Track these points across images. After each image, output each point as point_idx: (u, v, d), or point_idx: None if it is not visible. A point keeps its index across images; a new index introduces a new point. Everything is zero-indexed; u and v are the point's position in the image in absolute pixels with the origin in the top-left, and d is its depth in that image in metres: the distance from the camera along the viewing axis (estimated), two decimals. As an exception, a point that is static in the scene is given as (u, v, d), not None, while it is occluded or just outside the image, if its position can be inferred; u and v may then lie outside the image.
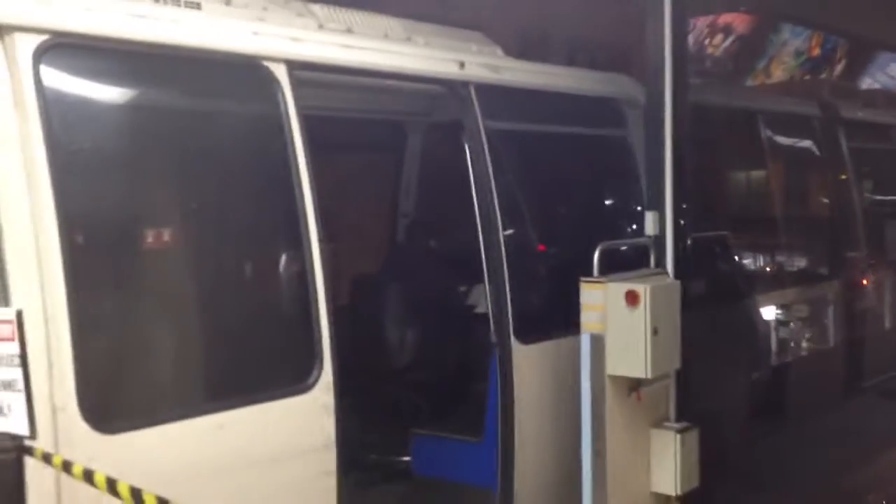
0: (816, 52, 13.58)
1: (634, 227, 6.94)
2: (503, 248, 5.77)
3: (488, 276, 5.77)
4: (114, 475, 3.24)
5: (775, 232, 9.13)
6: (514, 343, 5.73)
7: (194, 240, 4.65)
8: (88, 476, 3.00)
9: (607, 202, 7.41)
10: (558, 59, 8.56)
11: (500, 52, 6.55)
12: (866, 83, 14.27)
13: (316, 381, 4.67)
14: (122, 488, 2.91)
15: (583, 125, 6.87)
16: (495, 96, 6.00)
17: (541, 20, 9.70)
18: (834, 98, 10.05)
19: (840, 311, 9.44)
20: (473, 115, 5.84)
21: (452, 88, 5.86)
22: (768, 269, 9.08)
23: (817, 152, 9.66)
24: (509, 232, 5.89)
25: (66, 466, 3.11)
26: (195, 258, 4.62)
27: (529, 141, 6.51)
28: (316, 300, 4.72)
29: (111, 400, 4.08)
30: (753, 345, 8.22)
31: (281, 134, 4.76)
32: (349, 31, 5.57)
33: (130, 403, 4.19)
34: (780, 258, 9.20)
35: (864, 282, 9.67)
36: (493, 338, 5.75)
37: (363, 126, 7.26)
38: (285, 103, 4.80)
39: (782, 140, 9.40)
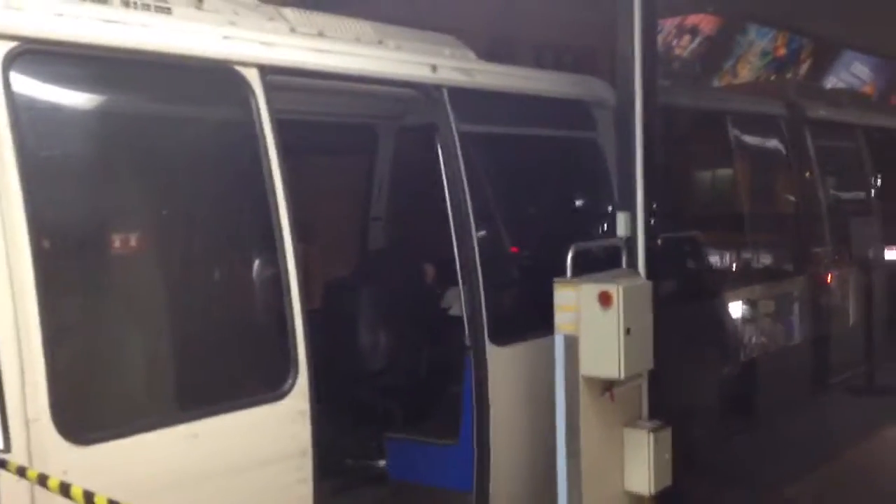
0: (782, 52, 13.73)
1: (605, 227, 6.98)
2: (477, 251, 5.78)
3: (462, 278, 5.79)
4: (88, 487, 3.22)
5: (742, 230, 9.22)
6: (489, 345, 5.74)
7: (168, 247, 4.61)
8: (65, 489, 2.96)
9: (579, 203, 7.44)
10: (525, 61, 8.60)
11: (471, 55, 6.56)
12: (831, 82, 14.44)
13: (291, 387, 4.65)
14: (100, 501, 2.87)
15: (554, 127, 6.90)
16: (468, 99, 6.01)
17: (507, 23, 9.73)
18: (800, 98, 10.16)
19: (806, 307, 9.56)
20: (446, 119, 5.85)
21: (425, 92, 5.86)
22: (736, 267, 9.17)
23: (784, 151, 9.76)
24: (483, 234, 5.91)
25: (42, 480, 3.06)
26: (169, 266, 4.59)
27: (502, 144, 6.53)
28: (290, 306, 4.70)
29: (85, 411, 4.04)
30: (722, 342, 8.29)
31: (254, 139, 4.74)
32: (321, 34, 5.55)
33: (104, 414, 4.15)
34: (746, 256, 9.30)
35: (828, 278, 9.77)
36: (468, 340, 5.76)
37: (334, 130, 7.24)
38: (258, 108, 4.77)
39: (749, 140, 9.49)
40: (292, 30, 5.38)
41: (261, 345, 4.89)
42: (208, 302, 4.74)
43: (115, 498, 3.10)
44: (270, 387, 4.63)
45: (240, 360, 4.72)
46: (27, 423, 3.73)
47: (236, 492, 4.41)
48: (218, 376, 4.58)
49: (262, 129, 4.75)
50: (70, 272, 4.14)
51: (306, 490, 4.68)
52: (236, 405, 4.47)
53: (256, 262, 4.86)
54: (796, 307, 9.39)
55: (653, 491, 6.09)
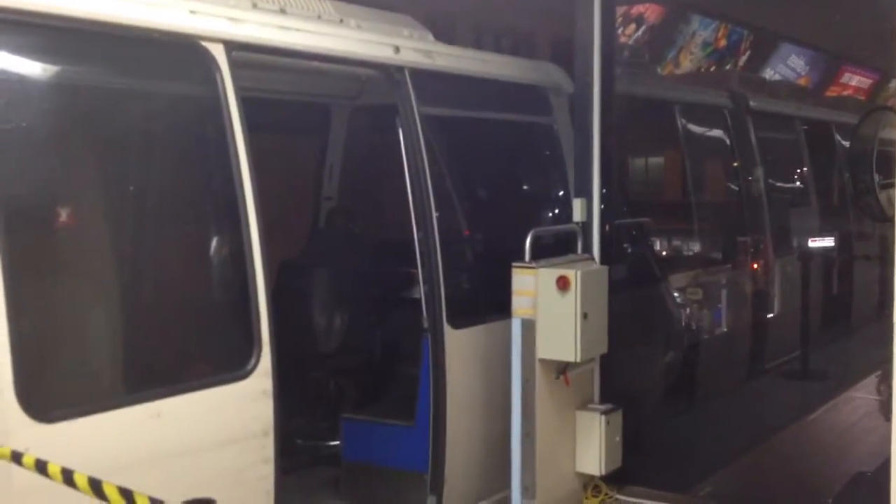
0: (723, 43, 13.93)
1: (559, 212, 7.06)
2: (436, 233, 5.79)
3: (421, 261, 5.79)
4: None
5: (686, 218, 9.40)
6: (447, 328, 5.76)
7: (132, 224, 4.53)
8: (41, 467, 2.90)
9: (534, 188, 7.50)
10: (466, 44, 8.55)
11: (430, 36, 6.55)
12: (768, 74, 14.72)
13: (255, 367, 4.62)
14: (79, 478, 2.83)
15: (512, 112, 6.94)
16: (429, 82, 6.01)
17: (447, 4, 9.70)
18: (743, 89, 10.36)
19: (746, 293, 9.80)
20: (407, 100, 5.83)
21: (387, 72, 5.84)
22: (681, 253, 9.35)
23: (727, 141, 9.96)
24: (442, 217, 5.91)
25: (16, 457, 3.01)
26: (133, 244, 4.51)
27: (461, 127, 6.56)
28: (254, 286, 4.65)
29: (48, 389, 3.97)
30: (666, 326, 8.46)
31: (219, 115, 4.67)
32: (282, 11, 5.49)
33: (68, 392, 4.08)
34: (689, 244, 9.49)
35: (756, 265, 9.99)
36: (426, 323, 5.78)
37: (288, 108, 7.16)
38: (223, 84, 4.70)
39: (695, 129, 9.66)
40: (254, 5, 5.30)
41: (224, 324, 4.85)
42: (172, 280, 4.69)
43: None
44: (234, 366, 4.60)
45: (203, 339, 4.68)
46: (-10, 399, 3.66)
47: (199, 470, 4.38)
48: (181, 355, 4.54)
49: (227, 106, 4.68)
50: (32, 251, 4.04)
51: (268, 470, 4.67)
52: (200, 384, 4.43)
53: (220, 241, 4.81)
54: (735, 294, 9.61)
55: (603, 472, 6.22)
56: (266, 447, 4.65)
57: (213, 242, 4.84)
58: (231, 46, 4.78)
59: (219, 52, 4.72)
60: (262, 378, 4.64)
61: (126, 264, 4.47)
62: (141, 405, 4.20)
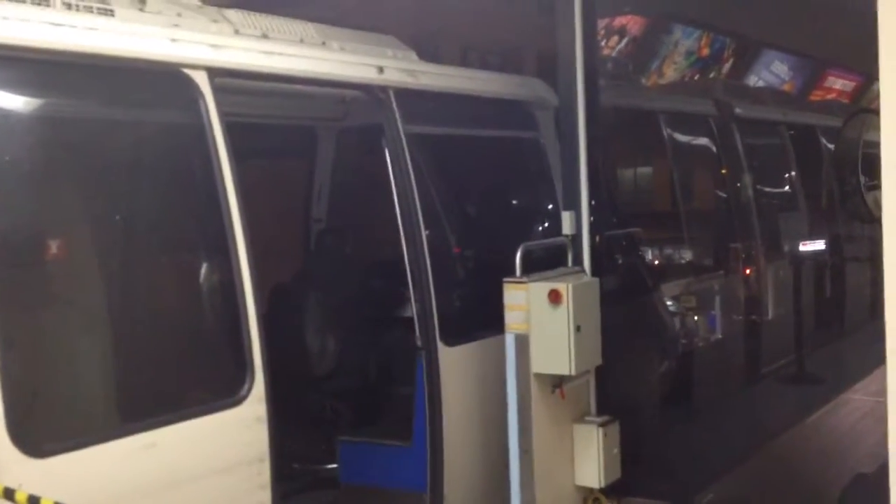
0: (706, 51, 14.01)
1: (548, 226, 7.06)
2: (426, 252, 5.79)
3: (412, 279, 5.79)
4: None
5: (676, 227, 9.41)
6: (440, 346, 5.75)
7: (121, 255, 4.52)
8: (34, 503, 2.87)
9: (522, 203, 7.51)
10: (451, 61, 8.60)
11: (414, 56, 6.57)
12: (752, 81, 14.80)
13: (248, 393, 4.60)
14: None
15: (498, 128, 6.97)
16: (413, 101, 6.02)
17: (432, 23, 9.74)
18: (728, 96, 10.41)
19: (739, 299, 9.81)
20: (393, 120, 5.85)
21: (371, 93, 5.85)
22: (672, 262, 9.36)
23: (714, 149, 9.99)
24: (431, 235, 5.91)
25: (8, 494, 2.98)
26: (122, 274, 4.50)
27: (447, 144, 6.57)
28: (245, 311, 4.64)
29: (40, 423, 3.94)
30: (660, 335, 8.45)
31: (204, 142, 4.67)
32: (265, 36, 5.50)
33: (60, 426, 4.05)
34: (680, 252, 9.50)
35: (748, 271, 10.00)
36: (419, 341, 5.77)
37: (274, 132, 7.17)
38: (207, 111, 4.71)
39: (682, 138, 9.69)
40: (236, 31, 5.32)
41: (216, 351, 4.84)
42: (162, 309, 4.67)
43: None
44: (227, 393, 4.58)
45: (195, 367, 4.67)
46: (-19, 436, 3.63)
47: (196, 500, 4.35)
48: (174, 384, 4.51)
49: (212, 133, 4.69)
50: (21, 284, 4.02)
51: (265, 496, 4.64)
52: (193, 413, 4.41)
53: (210, 268, 4.80)
54: (728, 300, 9.63)
55: (603, 484, 6.19)
56: (262, 473, 4.63)
57: (203, 269, 4.82)
58: (214, 73, 4.79)
59: (202, 79, 4.72)
60: (255, 404, 4.62)
61: (115, 295, 4.44)
62: (134, 436, 4.17)
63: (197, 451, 4.40)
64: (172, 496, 4.27)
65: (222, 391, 4.61)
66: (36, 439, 3.82)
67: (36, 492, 3.33)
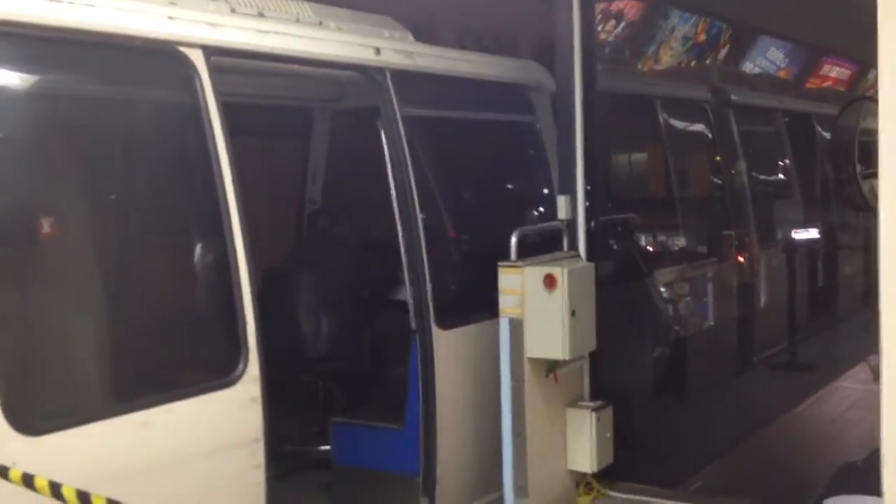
0: (702, 37, 13.96)
1: (543, 210, 7.05)
2: (422, 235, 5.77)
3: (407, 262, 5.77)
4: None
5: (671, 213, 9.41)
6: (435, 329, 5.75)
7: (115, 233, 4.50)
8: (28, 481, 2.87)
9: (519, 187, 7.50)
10: (446, 45, 8.56)
11: (410, 37, 6.52)
12: (748, 67, 14.76)
13: (242, 373, 4.59)
14: (67, 492, 2.80)
15: (495, 111, 6.93)
16: (410, 82, 5.99)
17: (427, 5, 9.69)
18: (723, 82, 10.39)
19: (732, 286, 9.82)
20: (389, 102, 5.82)
21: (368, 74, 5.82)
22: (666, 248, 9.37)
23: (709, 135, 9.98)
24: (427, 218, 5.90)
25: (2, 472, 2.97)
26: (117, 252, 4.48)
27: (444, 127, 6.54)
28: (240, 291, 4.61)
29: (34, 401, 3.93)
30: (653, 321, 8.46)
31: (200, 121, 4.64)
32: (261, 14, 5.45)
33: (54, 404, 4.04)
34: (674, 239, 9.51)
35: (741, 258, 10.01)
36: (413, 324, 5.76)
37: (269, 113, 7.14)
38: (203, 90, 4.67)
39: (677, 124, 9.68)
40: (232, 10, 5.27)
41: (211, 331, 4.82)
42: (157, 289, 4.66)
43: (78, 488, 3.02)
44: (221, 373, 4.56)
45: (190, 347, 4.65)
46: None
47: (190, 480, 4.35)
48: (168, 364, 4.50)
49: (208, 111, 4.66)
50: (14, 261, 4.00)
51: (259, 476, 4.64)
52: (187, 392, 4.40)
53: (205, 248, 4.77)
54: (721, 287, 9.64)
55: (595, 469, 6.21)
56: (256, 454, 4.63)
57: (198, 249, 4.80)
58: (210, 51, 4.75)
59: (197, 58, 4.69)
60: (249, 385, 4.61)
61: (110, 274, 4.42)
62: (128, 415, 4.16)
63: (190, 430, 4.39)
64: (165, 475, 4.26)
65: (217, 371, 4.60)
66: (30, 417, 3.80)
67: (30, 470, 3.31)
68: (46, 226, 4.11)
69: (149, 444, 4.21)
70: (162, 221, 4.73)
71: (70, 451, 3.91)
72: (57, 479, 3.26)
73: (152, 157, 4.65)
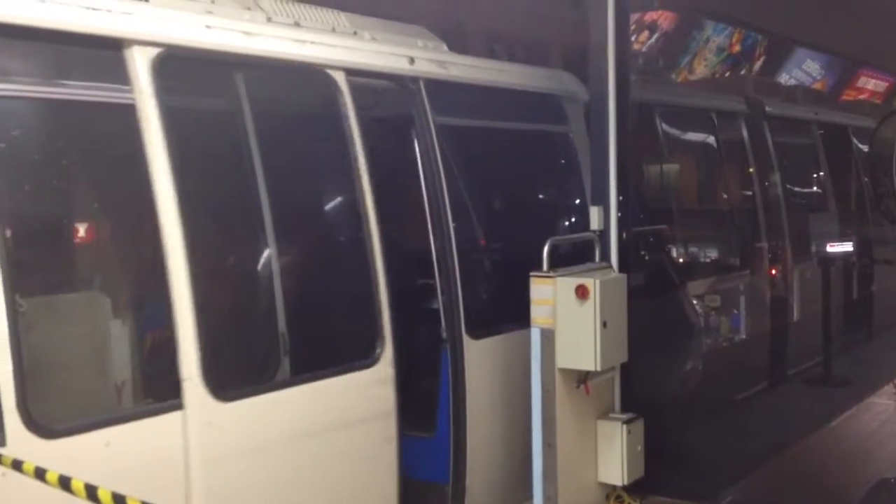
0: (737, 48, 13.91)
1: (575, 220, 7.03)
2: (454, 244, 5.78)
3: (439, 271, 5.79)
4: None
5: (704, 225, 9.35)
6: (466, 338, 5.75)
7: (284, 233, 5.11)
8: (65, 483, 2.90)
9: (551, 197, 7.47)
10: (478, 54, 8.58)
11: (444, 47, 6.54)
12: (783, 79, 14.68)
13: (380, 356, 5.18)
14: (103, 494, 2.82)
15: (527, 121, 6.92)
16: (444, 92, 6.01)
17: (459, 15, 9.71)
18: (759, 93, 10.30)
19: (765, 299, 9.73)
20: (423, 111, 5.84)
21: (402, 83, 5.84)
22: (699, 260, 9.30)
23: (744, 146, 9.90)
24: (459, 227, 5.90)
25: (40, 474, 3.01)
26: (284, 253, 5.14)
27: (476, 137, 6.54)
28: (377, 283, 5.23)
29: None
30: (686, 334, 8.39)
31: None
32: (297, 24, 5.50)
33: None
34: (707, 250, 9.44)
35: (775, 271, 9.91)
36: (445, 333, 5.76)
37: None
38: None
39: (711, 134, 9.61)
40: (269, 19, 5.32)
41: (355, 318, 5.41)
42: (317, 283, 5.39)
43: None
44: (362, 355, 5.16)
45: (338, 332, 5.28)
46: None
47: (333, 449, 4.95)
48: (321, 346, 5.13)
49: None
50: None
51: (392, 448, 5.21)
52: (336, 371, 5.01)
53: (353, 246, 5.40)
54: (755, 300, 9.56)
55: (626, 481, 6.17)
56: (389, 427, 5.24)
57: (347, 249, 5.59)
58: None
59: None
60: (385, 365, 5.21)
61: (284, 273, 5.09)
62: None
63: (337, 405, 4.99)
64: (315, 445, 4.86)
65: (358, 354, 5.18)
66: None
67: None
68: (79, 230, 4.36)
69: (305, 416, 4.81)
70: (317, 225, 5.56)
71: (262, 415, 4.59)
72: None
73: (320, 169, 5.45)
